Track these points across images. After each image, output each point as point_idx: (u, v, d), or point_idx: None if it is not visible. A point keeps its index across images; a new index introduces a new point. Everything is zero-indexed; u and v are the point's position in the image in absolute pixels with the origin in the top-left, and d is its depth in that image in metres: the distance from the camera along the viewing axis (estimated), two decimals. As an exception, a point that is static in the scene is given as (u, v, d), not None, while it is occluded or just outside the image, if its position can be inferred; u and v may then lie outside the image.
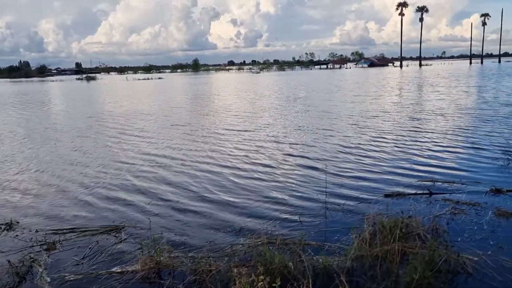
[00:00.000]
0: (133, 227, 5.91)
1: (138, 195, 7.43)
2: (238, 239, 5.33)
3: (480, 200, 6.34)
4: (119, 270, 4.62)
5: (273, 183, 7.82)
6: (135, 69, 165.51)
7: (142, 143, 12.46)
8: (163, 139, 13.09)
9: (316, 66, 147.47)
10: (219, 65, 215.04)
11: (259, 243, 4.93)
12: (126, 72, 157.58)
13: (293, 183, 7.74)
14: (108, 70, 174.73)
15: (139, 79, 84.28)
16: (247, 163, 9.48)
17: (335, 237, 5.30)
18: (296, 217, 6.05)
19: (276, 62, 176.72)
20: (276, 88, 40.18)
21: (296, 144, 11.44)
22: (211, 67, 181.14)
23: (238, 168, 9.00)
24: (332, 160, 9.36)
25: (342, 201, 6.58)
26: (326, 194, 6.74)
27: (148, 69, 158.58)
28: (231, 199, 7.04)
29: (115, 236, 5.63)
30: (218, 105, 24.90)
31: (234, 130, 14.37)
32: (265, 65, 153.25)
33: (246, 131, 14.06)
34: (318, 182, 7.58)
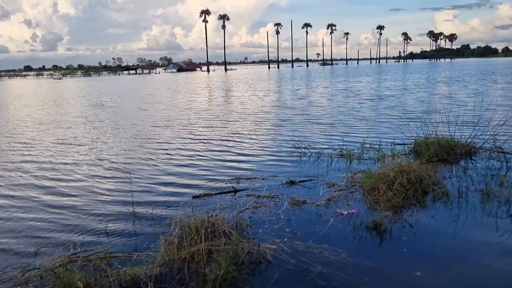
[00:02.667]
0: None
1: None
2: (33, 262, 4.75)
3: (277, 192, 6.93)
4: None
5: (76, 198, 7.26)
6: None
7: None
8: None
9: (124, 72, 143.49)
10: (13, 70, 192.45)
11: (59, 264, 4.47)
12: None
13: (98, 195, 7.31)
14: None
15: None
16: (49, 178, 8.62)
17: (144, 245, 5.15)
18: (102, 230, 5.70)
19: (81, 67, 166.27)
20: (79, 95, 37.77)
21: (102, 154, 10.87)
22: (2, 73, 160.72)
23: (40, 184, 8.11)
24: (139, 168, 9.18)
25: (151, 208, 6.46)
26: (133, 203, 6.51)
27: None
28: (31, 215, 6.30)
29: None
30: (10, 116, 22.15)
31: (36, 140, 12.95)
32: (69, 71, 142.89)
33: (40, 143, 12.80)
34: (125, 192, 7.29)
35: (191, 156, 10.17)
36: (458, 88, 29.51)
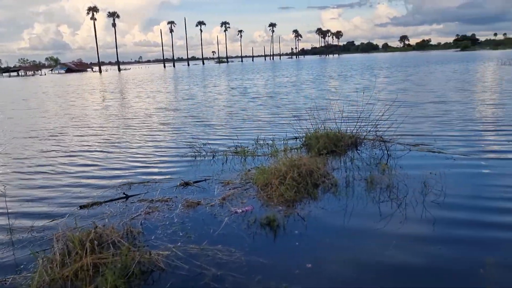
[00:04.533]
0: None
1: None
2: None
3: (171, 195, 6.72)
4: None
5: None
6: None
7: None
8: None
9: (4, 74, 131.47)
10: None
11: None
12: None
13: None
14: None
15: None
16: None
17: (22, 265, 4.65)
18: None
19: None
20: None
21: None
22: None
23: None
24: (15, 179, 8.39)
25: (31, 222, 5.88)
26: (9, 218, 5.86)
27: None
28: None
29: None
30: None
31: None
32: None
33: None
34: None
35: (76, 165, 9.50)
36: (344, 83, 31.43)
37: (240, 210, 5.85)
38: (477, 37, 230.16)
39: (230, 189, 6.83)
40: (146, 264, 4.40)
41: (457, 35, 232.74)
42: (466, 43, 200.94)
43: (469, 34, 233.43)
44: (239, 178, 7.40)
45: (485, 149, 8.91)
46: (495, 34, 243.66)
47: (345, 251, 4.71)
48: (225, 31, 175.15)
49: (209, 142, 10.81)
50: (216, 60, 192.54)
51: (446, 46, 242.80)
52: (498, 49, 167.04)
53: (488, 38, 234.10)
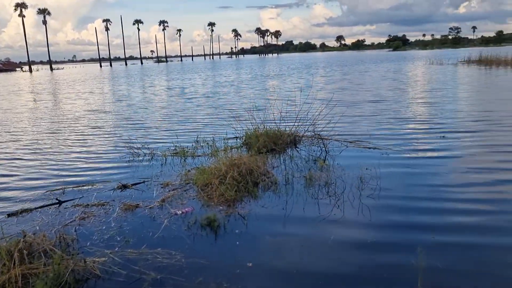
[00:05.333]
0: None
1: None
2: None
3: (108, 199, 6.49)
4: None
5: None
6: None
7: None
8: None
9: None
10: None
11: None
12: None
13: None
14: None
15: None
16: None
17: None
18: None
19: None
20: None
21: None
22: None
23: None
24: None
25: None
26: None
27: None
28: None
29: None
30: None
31: None
32: None
33: None
34: None
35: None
36: (283, 82, 31.90)
37: (180, 212, 5.76)
38: (407, 37, 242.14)
39: (169, 191, 6.70)
40: (81, 272, 4.21)
41: (389, 35, 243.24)
42: (397, 43, 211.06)
43: (400, 34, 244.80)
44: (179, 179, 7.29)
45: (417, 146, 9.35)
46: (424, 35, 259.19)
47: (285, 247, 4.75)
48: (163, 30, 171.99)
49: (147, 144, 10.50)
50: (155, 59, 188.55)
51: (380, 46, 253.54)
52: (427, 49, 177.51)
53: (418, 39, 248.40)
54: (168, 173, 7.82)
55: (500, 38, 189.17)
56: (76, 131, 13.62)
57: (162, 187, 6.93)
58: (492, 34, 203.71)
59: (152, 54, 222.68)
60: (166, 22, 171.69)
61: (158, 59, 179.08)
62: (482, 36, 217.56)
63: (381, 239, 4.79)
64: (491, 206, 5.72)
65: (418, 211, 5.60)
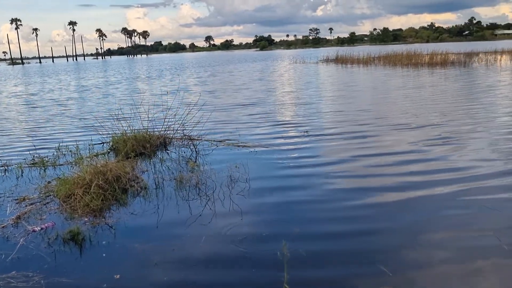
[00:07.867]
0: None
1: None
2: None
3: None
4: None
5: None
6: None
7: None
8: None
9: None
10: None
11: None
12: None
13: None
14: None
15: None
16: None
17: None
18: None
19: None
20: None
21: None
22: None
23: None
24: None
25: None
26: None
27: None
28: None
29: None
30: None
31: None
32: None
33: None
34: None
35: None
36: (151, 84, 31.25)
37: (39, 228, 5.27)
38: (272, 37, 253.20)
39: (26, 206, 6.09)
40: None
41: (256, 35, 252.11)
42: (264, 43, 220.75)
43: (266, 35, 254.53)
44: (38, 192, 6.67)
45: (283, 142, 9.82)
46: (287, 35, 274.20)
47: (156, 254, 4.62)
48: (16, 29, 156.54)
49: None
50: (8, 61, 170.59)
51: (247, 46, 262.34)
52: (291, 48, 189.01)
53: (282, 39, 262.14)
54: (24, 186, 7.11)
55: (352, 39, 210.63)
56: None
57: (17, 203, 6.26)
58: (346, 35, 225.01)
59: (4, 55, 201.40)
60: (20, 20, 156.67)
61: (12, 61, 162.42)
62: (338, 36, 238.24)
63: (250, 235, 4.92)
64: (356, 194, 6.24)
65: (286, 204, 5.89)
